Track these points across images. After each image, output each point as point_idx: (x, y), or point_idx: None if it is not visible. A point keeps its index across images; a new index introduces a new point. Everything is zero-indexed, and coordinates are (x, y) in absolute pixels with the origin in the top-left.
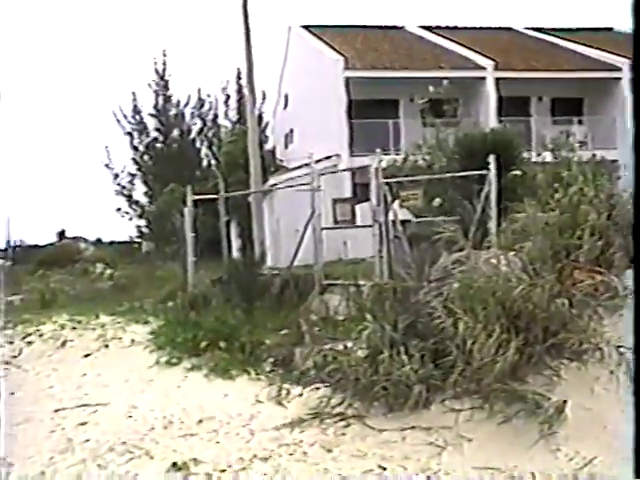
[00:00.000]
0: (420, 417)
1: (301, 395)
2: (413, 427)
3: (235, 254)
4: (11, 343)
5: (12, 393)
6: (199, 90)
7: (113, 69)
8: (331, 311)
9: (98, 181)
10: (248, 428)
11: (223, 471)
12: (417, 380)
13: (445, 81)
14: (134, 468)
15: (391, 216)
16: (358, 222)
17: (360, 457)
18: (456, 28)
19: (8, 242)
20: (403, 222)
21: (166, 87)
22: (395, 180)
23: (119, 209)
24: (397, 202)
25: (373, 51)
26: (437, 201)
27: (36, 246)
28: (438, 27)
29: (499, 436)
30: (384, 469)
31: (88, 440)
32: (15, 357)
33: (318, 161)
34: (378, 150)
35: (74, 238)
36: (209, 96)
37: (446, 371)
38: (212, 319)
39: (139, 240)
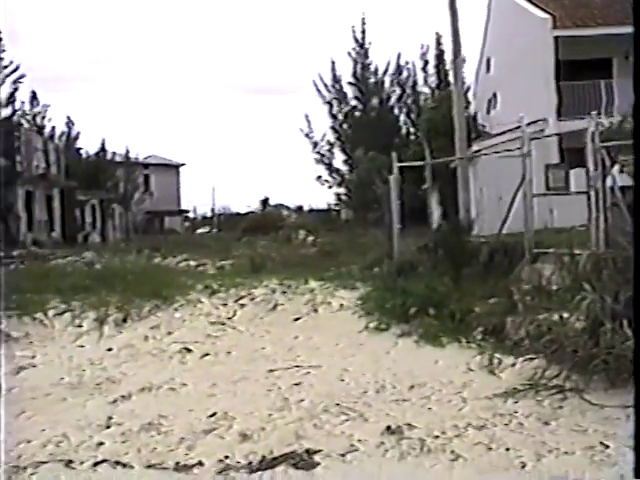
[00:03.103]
0: None
1: (514, 365)
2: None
3: (436, 222)
4: (225, 305)
5: (229, 352)
6: (398, 56)
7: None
8: (543, 280)
9: (299, 150)
10: (460, 396)
11: (437, 437)
12: None
13: None
14: (349, 429)
15: (609, 182)
16: (572, 189)
17: (580, 432)
18: None
19: (213, 210)
20: (622, 188)
21: (365, 55)
22: (613, 144)
23: (319, 177)
24: (616, 167)
25: (583, 7)
26: None
27: (238, 214)
28: None
29: None
30: (607, 447)
31: (303, 400)
32: (229, 319)
33: (517, 127)
34: (594, 113)
35: (277, 206)
36: (407, 63)
37: None
38: (421, 286)
39: (337, 208)
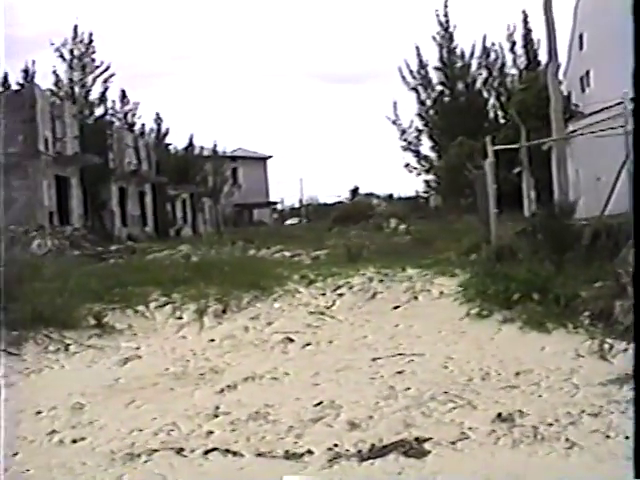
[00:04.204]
0: None
1: (626, 350)
2: None
3: (530, 206)
4: (323, 295)
5: (330, 341)
6: (484, 38)
7: (399, 25)
8: None
9: (386, 138)
10: (571, 382)
11: (550, 425)
12: None
13: None
14: (458, 417)
15: None
16: None
17: None
18: None
19: (301, 201)
20: None
21: (450, 39)
22: None
23: (407, 164)
24: None
25: None
26: None
27: (326, 204)
28: None
29: None
30: None
31: (409, 388)
32: (328, 308)
33: (618, 104)
34: None
35: (366, 195)
36: (494, 45)
37: None
38: (522, 271)
39: (426, 195)
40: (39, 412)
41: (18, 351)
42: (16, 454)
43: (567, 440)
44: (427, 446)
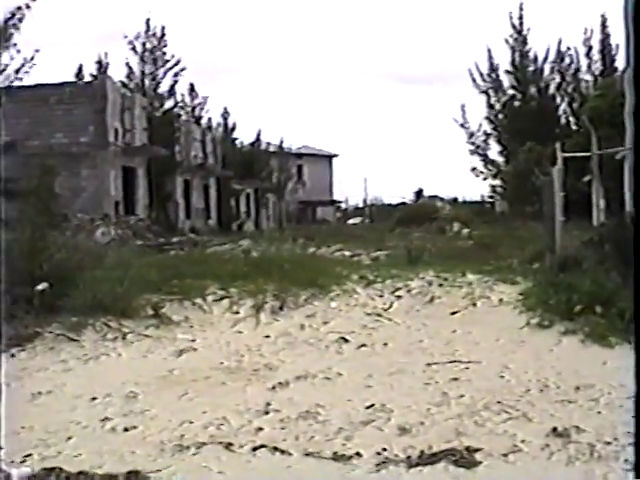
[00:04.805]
0: None
1: None
2: None
3: (599, 216)
4: (381, 296)
5: (385, 344)
6: (559, 42)
7: (469, 27)
8: None
9: (453, 140)
10: (632, 400)
11: (608, 443)
12: None
13: None
14: (512, 429)
15: None
16: None
17: None
18: None
19: (365, 201)
20: None
21: (524, 42)
22: None
23: (474, 168)
24: None
25: None
26: None
27: (390, 205)
28: None
29: None
30: None
31: (462, 396)
32: (386, 310)
33: None
34: None
35: (431, 197)
36: (569, 49)
37: None
38: (586, 282)
39: (491, 200)
40: (94, 398)
41: (77, 337)
42: (70, 438)
43: (626, 461)
44: (478, 456)
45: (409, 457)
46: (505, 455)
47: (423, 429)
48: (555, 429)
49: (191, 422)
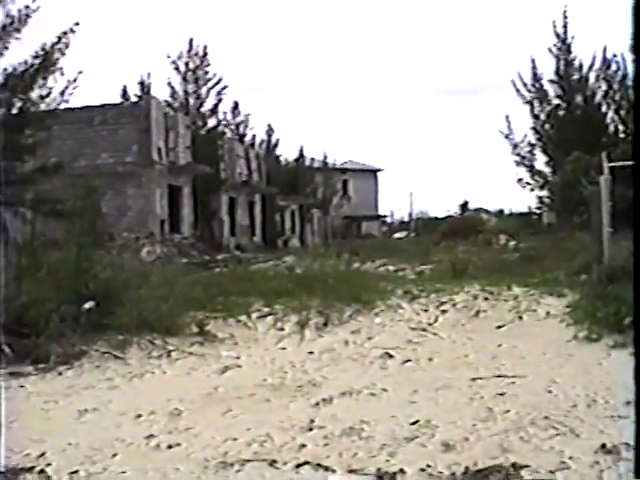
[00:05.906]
0: None
1: None
2: None
3: None
4: (426, 311)
5: (430, 359)
6: (604, 49)
7: (512, 37)
8: None
9: (498, 152)
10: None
11: None
12: None
13: None
14: (559, 445)
15: None
16: None
17: None
18: None
19: (410, 215)
20: None
21: (568, 50)
22: None
23: (520, 180)
24: None
25: None
26: None
27: (436, 218)
28: None
29: None
30: None
31: (508, 411)
32: (430, 325)
33: None
34: None
35: (476, 209)
36: (615, 56)
37: None
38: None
39: (538, 211)
40: (139, 415)
41: (123, 355)
42: (115, 455)
43: None
44: (524, 473)
45: (453, 474)
46: (552, 472)
47: (468, 445)
48: (604, 445)
49: (235, 439)
